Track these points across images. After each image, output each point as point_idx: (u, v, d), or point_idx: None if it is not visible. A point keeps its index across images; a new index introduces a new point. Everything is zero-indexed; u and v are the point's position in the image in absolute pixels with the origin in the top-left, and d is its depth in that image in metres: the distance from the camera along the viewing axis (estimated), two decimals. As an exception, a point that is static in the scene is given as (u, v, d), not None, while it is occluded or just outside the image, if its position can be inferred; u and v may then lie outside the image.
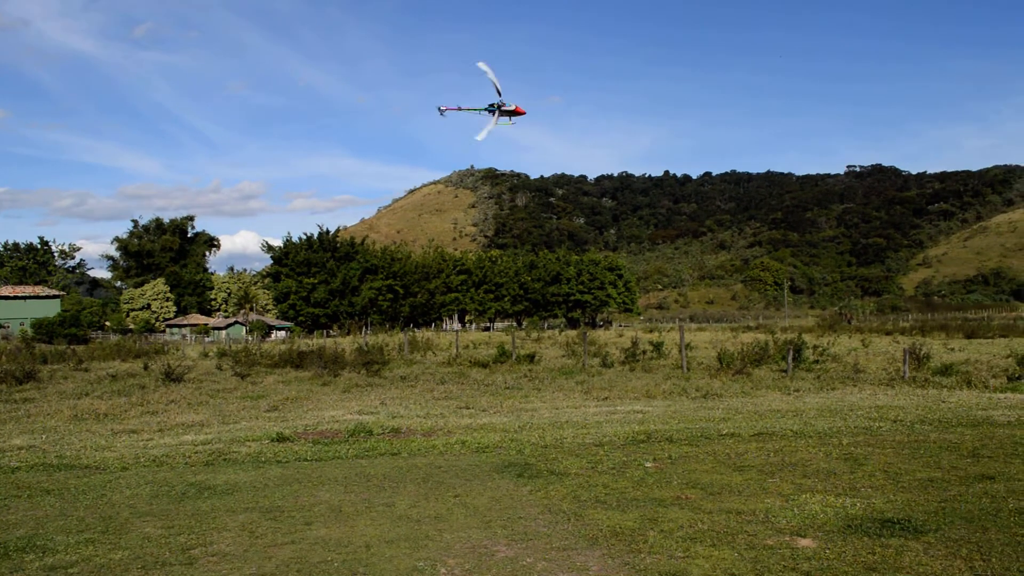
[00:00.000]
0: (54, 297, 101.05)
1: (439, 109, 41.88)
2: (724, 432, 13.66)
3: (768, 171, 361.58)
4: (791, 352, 27.02)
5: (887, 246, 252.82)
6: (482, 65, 40.63)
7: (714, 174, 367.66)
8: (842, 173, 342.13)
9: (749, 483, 9.70)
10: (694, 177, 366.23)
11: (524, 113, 42.71)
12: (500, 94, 41.14)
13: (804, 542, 7.19)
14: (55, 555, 7.23)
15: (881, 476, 10.03)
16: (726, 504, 8.62)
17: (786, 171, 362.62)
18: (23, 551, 7.37)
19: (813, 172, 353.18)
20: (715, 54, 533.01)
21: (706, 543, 7.16)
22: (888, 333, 60.14)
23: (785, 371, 26.03)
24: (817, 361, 29.42)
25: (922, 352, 28.57)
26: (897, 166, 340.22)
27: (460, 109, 42.16)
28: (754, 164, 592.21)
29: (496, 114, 41.11)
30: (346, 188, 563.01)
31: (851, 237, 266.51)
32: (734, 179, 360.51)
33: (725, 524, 7.79)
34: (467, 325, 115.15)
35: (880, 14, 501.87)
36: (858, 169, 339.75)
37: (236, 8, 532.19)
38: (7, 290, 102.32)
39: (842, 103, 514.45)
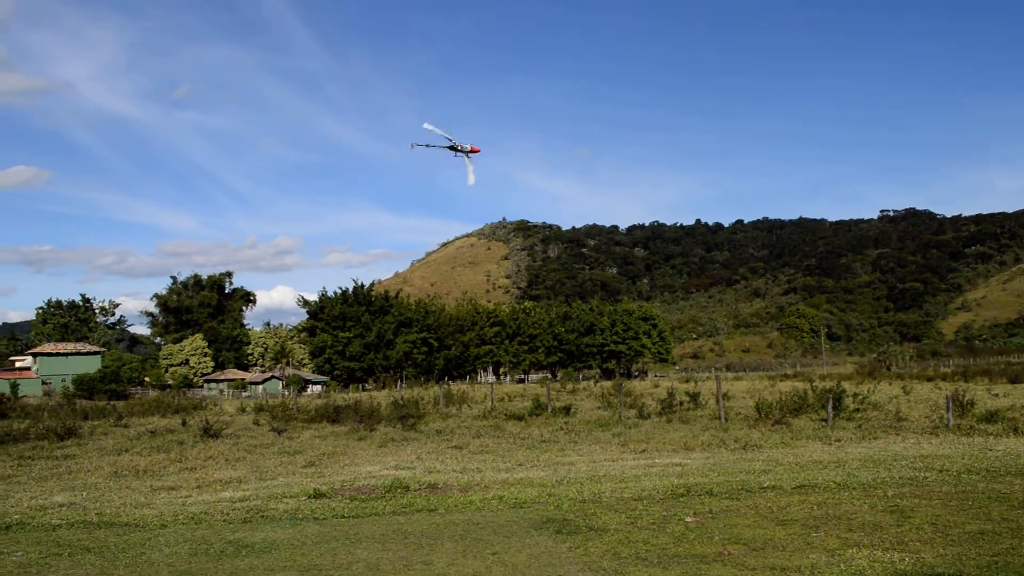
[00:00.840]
0: (95, 353, 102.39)
1: (411, 145, 49.08)
2: (765, 484, 13.43)
3: (800, 217, 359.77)
4: (831, 401, 26.60)
5: (924, 291, 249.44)
6: (427, 126, 48.53)
7: (746, 221, 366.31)
8: (875, 218, 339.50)
9: (793, 538, 9.50)
10: (726, 225, 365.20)
11: (479, 151, 49.79)
12: (452, 139, 48.30)
13: (852, 600, 7.00)
14: (96, 616, 7.24)
15: (929, 529, 9.79)
16: (770, 560, 8.44)
17: (819, 217, 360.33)
18: (64, 612, 7.39)
19: (846, 218, 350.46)
20: (743, 101, 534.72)
21: (751, 601, 7.01)
22: (929, 379, 59.14)
23: (825, 420, 25.61)
24: (858, 409, 28.91)
25: (965, 398, 27.96)
26: (931, 209, 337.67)
27: (428, 146, 49.36)
28: (786, 211, 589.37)
29: (466, 158, 48.18)
30: (380, 242, 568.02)
31: (887, 282, 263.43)
32: (766, 226, 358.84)
33: (770, 581, 7.63)
34: (501, 377, 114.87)
35: (909, 58, 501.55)
36: (891, 214, 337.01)
37: (268, 68, 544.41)
38: (50, 347, 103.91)
39: (873, 148, 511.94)
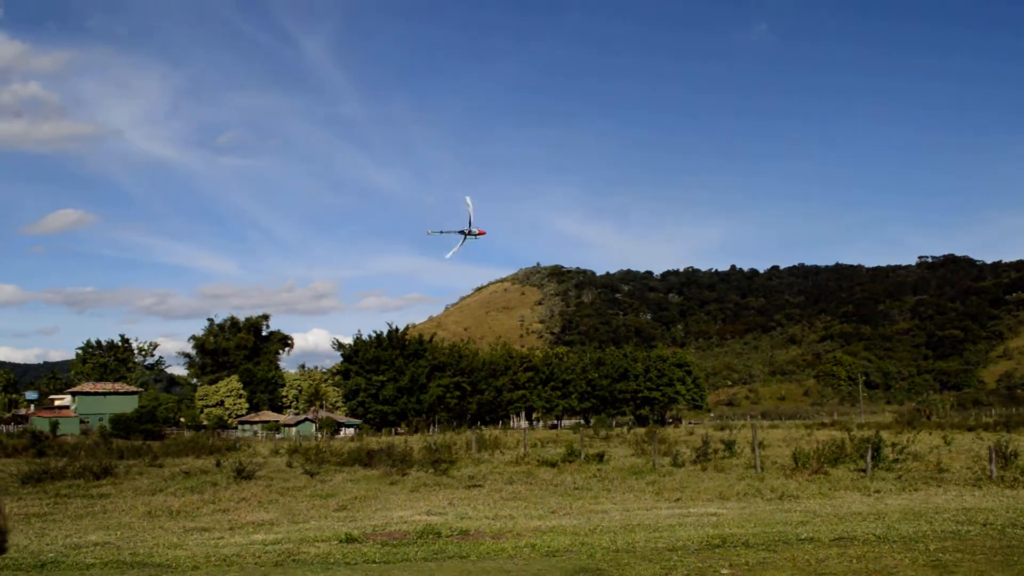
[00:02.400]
0: (132, 393, 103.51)
1: (428, 232, 56.47)
2: (803, 536, 13.17)
3: (837, 263, 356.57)
4: (869, 450, 26.14)
5: (964, 338, 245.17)
6: (468, 200, 54.26)
7: (782, 267, 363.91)
8: (914, 264, 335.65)
9: (832, 592, 9.29)
10: (761, 271, 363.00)
11: (484, 233, 55.48)
12: (471, 224, 53.70)
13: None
14: (127, 658, 7.24)
15: (973, 586, 9.52)
16: (808, 615, 8.26)
17: (855, 263, 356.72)
18: (96, 654, 7.40)
19: (884, 264, 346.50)
20: (777, 145, 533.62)
21: (789, 657, 6.84)
22: (971, 429, 57.92)
23: (864, 470, 25.14)
24: (897, 460, 28.34)
25: (1009, 449, 27.30)
26: (971, 255, 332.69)
27: (442, 232, 55.38)
28: (822, 257, 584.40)
29: (464, 238, 53.17)
30: (415, 286, 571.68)
31: (926, 329, 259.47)
32: (802, 272, 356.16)
33: (808, 637, 7.45)
34: (534, 423, 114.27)
35: (946, 100, 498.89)
36: (930, 260, 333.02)
37: (308, 114, 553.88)
38: (88, 386, 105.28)
39: (911, 193, 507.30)
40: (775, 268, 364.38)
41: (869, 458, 25.63)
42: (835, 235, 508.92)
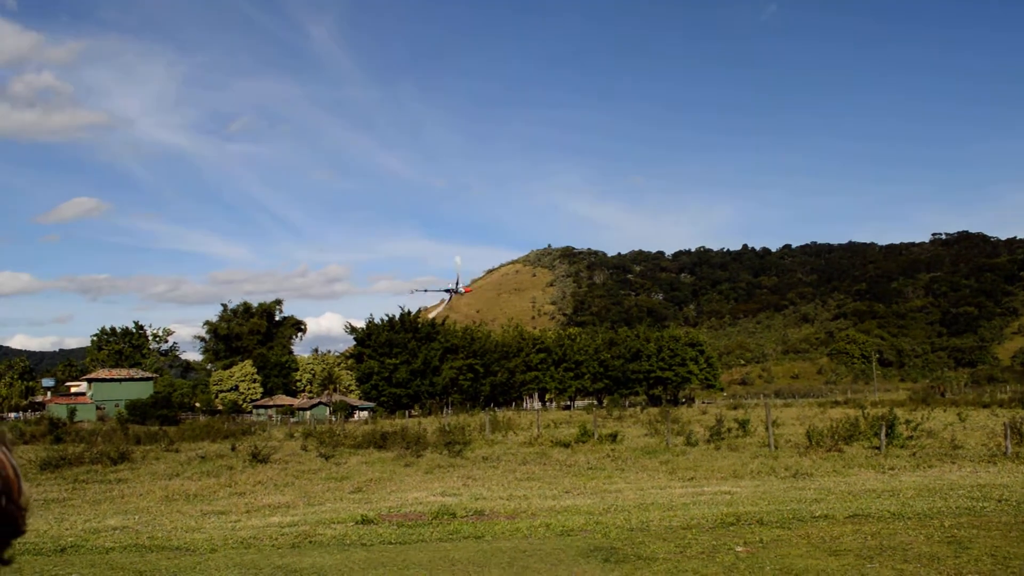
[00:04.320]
0: (148, 379, 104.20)
1: (412, 291, 70.46)
2: (817, 514, 13.16)
3: (850, 241, 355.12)
4: (883, 428, 26.09)
5: (979, 315, 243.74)
6: (457, 260, 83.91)
7: (794, 246, 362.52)
8: (927, 241, 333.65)
9: (847, 569, 9.30)
10: (773, 250, 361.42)
11: (470, 290, 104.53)
12: (458, 283, 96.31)
13: (909, 633, 6.82)
14: (148, 639, 7.33)
15: (988, 561, 9.52)
16: (823, 591, 8.27)
17: (868, 241, 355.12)
18: (117, 635, 7.49)
19: (896, 241, 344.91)
20: (788, 123, 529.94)
21: (804, 633, 6.86)
22: (985, 406, 57.69)
23: (878, 448, 25.10)
24: (911, 437, 28.28)
25: (1024, 427, 27.21)
26: (985, 232, 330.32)
27: (427, 291, 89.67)
28: (835, 235, 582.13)
29: (449, 296, 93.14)
30: (427, 269, 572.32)
31: (940, 307, 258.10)
32: (814, 251, 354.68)
33: (823, 613, 7.46)
34: (547, 404, 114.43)
35: (960, 76, 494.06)
36: (944, 237, 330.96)
37: (317, 100, 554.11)
38: (104, 373, 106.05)
39: (924, 169, 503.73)
40: (787, 247, 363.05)
41: (883, 435, 25.58)
42: (848, 213, 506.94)
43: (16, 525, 0.63)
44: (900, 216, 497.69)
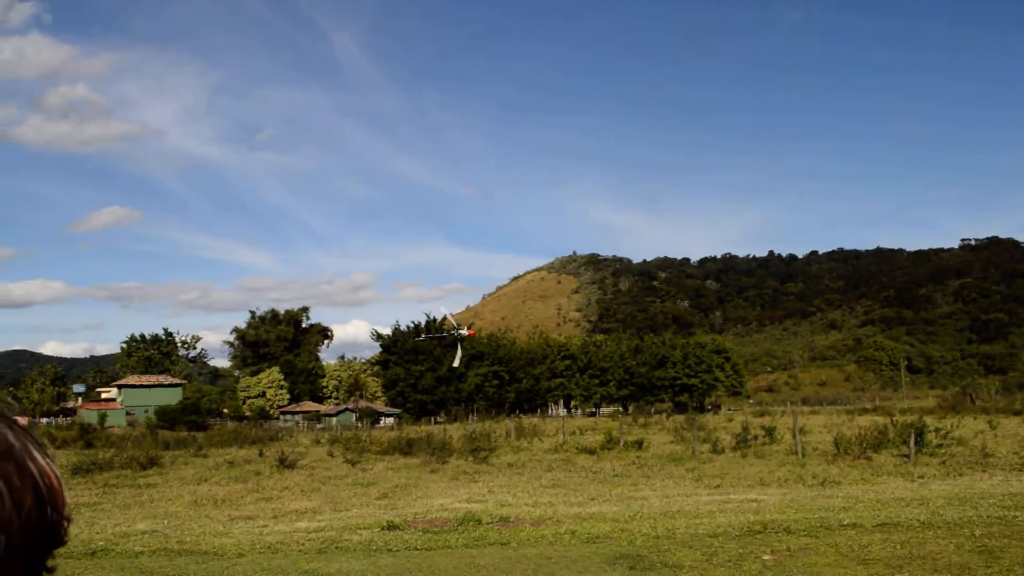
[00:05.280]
0: (177, 385, 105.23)
1: (422, 336, 72.37)
2: (845, 522, 13.05)
3: (878, 247, 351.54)
4: (912, 435, 25.82)
5: (1009, 321, 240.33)
6: (448, 315, 71.87)
7: (821, 252, 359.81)
8: (956, 247, 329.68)
9: (875, 577, 9.21)
10: (800, 256, 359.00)
11: (473, 334, 68.64)
12: (459, 329, 64.89)
13: (939, 643, 6.75)
14: (177, 643, 7.40)
15: (1020, 571, 9.40)
16: (851, 600, 8.20)
17: (896, 247, 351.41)
18: (147, 638, 7.57)
19: (925, 247, 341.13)
20: (814, 126, 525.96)
21: (832, 642, 6.80)
22: (1016, 413, 56.85)
23: (907, 456, 24.84)
24: (941, 445, 27.94)
25: (1057, 436, 26.82)
26: (1015, 237, 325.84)
27: (432, 338, 73.60)
28: (863, 241, 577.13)
29: (459, 344, 63.65)
30: (452, 277, 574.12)
31: (970, 313, 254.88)
32: (842, 257, 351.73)
33: (851, 621, 7.40)
34: (572, 410, 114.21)
35: (988, 80, 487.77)
36: (973, 242, 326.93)
37: (342, 109, 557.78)
38: (134, 379, 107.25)
39: (952, 173, 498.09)
40: (814, 253, 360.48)
41: (912, 443, 25.32)
42: (876, 218, 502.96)
43: (59, 535, 0.64)
44: (929, 222, 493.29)
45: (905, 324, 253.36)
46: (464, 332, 61.01)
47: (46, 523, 0.60)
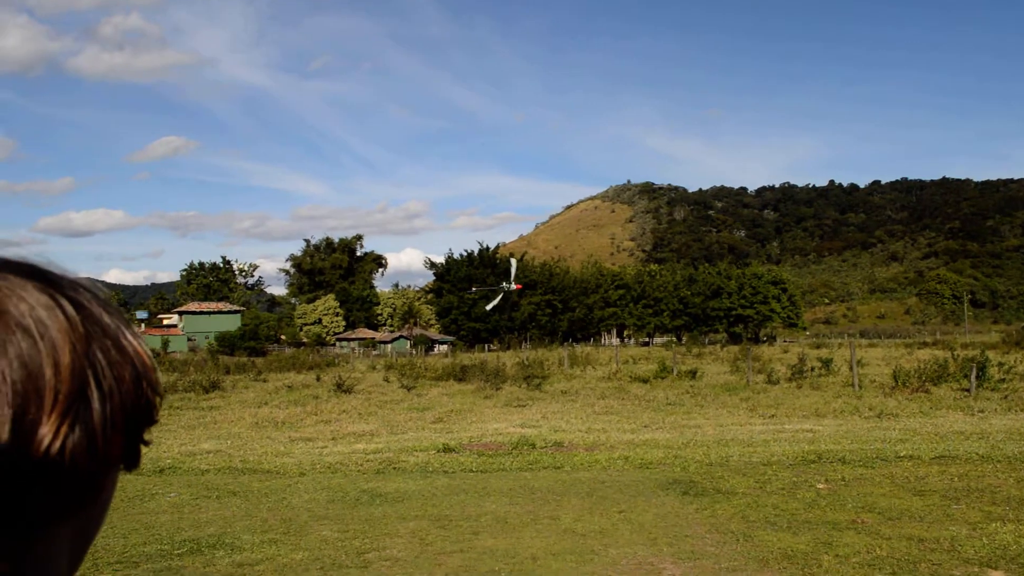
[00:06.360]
0: (235, 312, 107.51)
1: (472, 290, 70.73)
2: (901, 454, 12.94)
3: (943, 177, 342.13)
4: (974, 369, 25.37)
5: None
6: (513, 261, 68.52)
7: (883, 182, 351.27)
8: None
9: (931, 509, 9.16)
10: (862, 186, 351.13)
11: (520, 288, 68.51)
12: (512, 283, 66.91)
13: (995, 574, 6.73)
14: (242, 553, 7.69)
15: (1081, 505, 9.26)
16: (906, 530, 8.17)
17: (963, 177, 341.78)
18: (214, 548, 7.87)
19: (993, 177, 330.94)
20: (881, 54, 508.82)
21: (885, 570, 6.81)
22: (1084, 349, 55.44)
23: (967, 390, 24.46)
24: (1003, 380, 27.41)
25: (1125, 371, 26.12)
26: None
27: (483, 289, 69.65)
28: (927, 170, 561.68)
29: (501, 294, 64.41)
30: (505, 205, 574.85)
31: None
32: (905, 187, 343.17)
33: (906, 551, 7.38)
34: (625, 340, 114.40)
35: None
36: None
37: (393, 36, 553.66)
38: (194, 306, 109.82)
39: (1021, 101, 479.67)
40: (876, 183, 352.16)
41: (973, 377, 24.90)
42: (942, 148, 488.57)
43: (153, 413, 0.68)
44: (998, 152, 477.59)
45: (970, 257, 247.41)
46: (512, 287, 63.08)
47: (143, 398, 0.67)
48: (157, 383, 0.71)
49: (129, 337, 0.71)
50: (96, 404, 0.60)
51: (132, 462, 0.69)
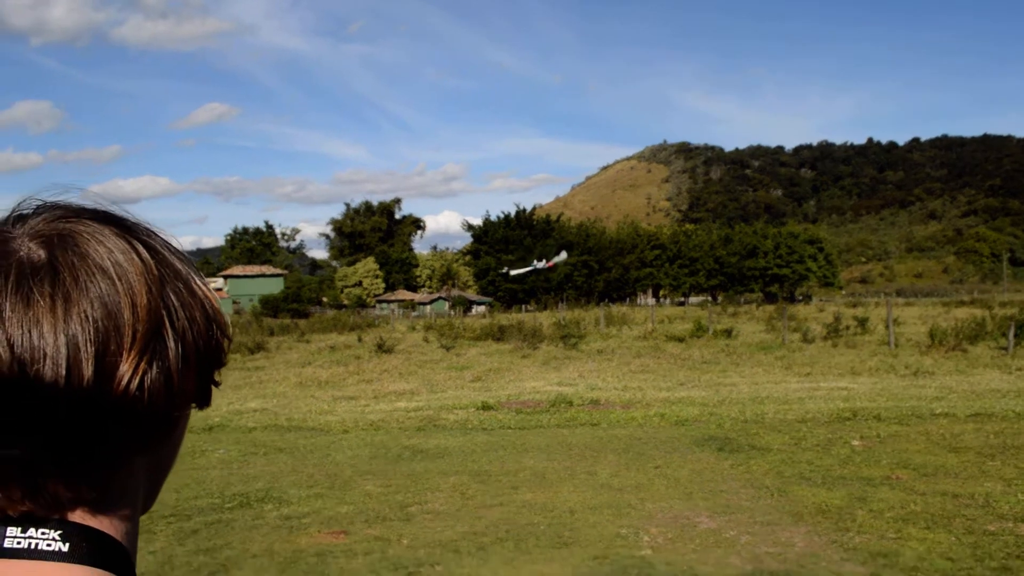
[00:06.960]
0: (278, 275, 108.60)
1: (507, 271, 72.32)
2: (937, 411, 13.01)
3: (984, 134, 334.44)
4: (1012, 328, 25.15)
5: None
6: (564, 254, 69.22)
7: (923, 139, 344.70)
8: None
9: (966, 465, 9.26)
10: (900, 144, 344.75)
11: (552, 266, 68.50)
12: (548, 261, 66.73)
13: (1027, 527, 6.85)
14: (289, 506, 8.02)
15: (1117, 461, 9.31)
16: (940, 486, 8.30)
17: (1005, 134, 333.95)
18: (262, 501, 8.22)
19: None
20: (919, 7, 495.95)
21: (920, 525, 6.96)
22: None
23: (1005, 349, 24.28)
24: (1044, 338, 27.16)
25: None
26: None
27: (521, 270, 70.55)
28: (968, 127, 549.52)
29: (532, 268, 65.68)
30: (542, 167, 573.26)
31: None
32: (945, 144, 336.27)
33: (940, 507, 7.52)
34: (661, 300, 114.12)
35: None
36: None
37: (431, 0, 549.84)
38: (238, 269, 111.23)
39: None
40: (915, 140, 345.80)
41: (1011, 336, 24.69)
42: (983, 105, 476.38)
43: (222, 355, 0.71)
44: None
45: (1010, 215, 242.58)
46: (543, 265, 64.16)
47: (213, 339, 0.72)
48: (225, 326, 0.76)
49: (199, 282, 0.75)
50: (171, 343, 0.65)
51: (204, 400, 0.74)
